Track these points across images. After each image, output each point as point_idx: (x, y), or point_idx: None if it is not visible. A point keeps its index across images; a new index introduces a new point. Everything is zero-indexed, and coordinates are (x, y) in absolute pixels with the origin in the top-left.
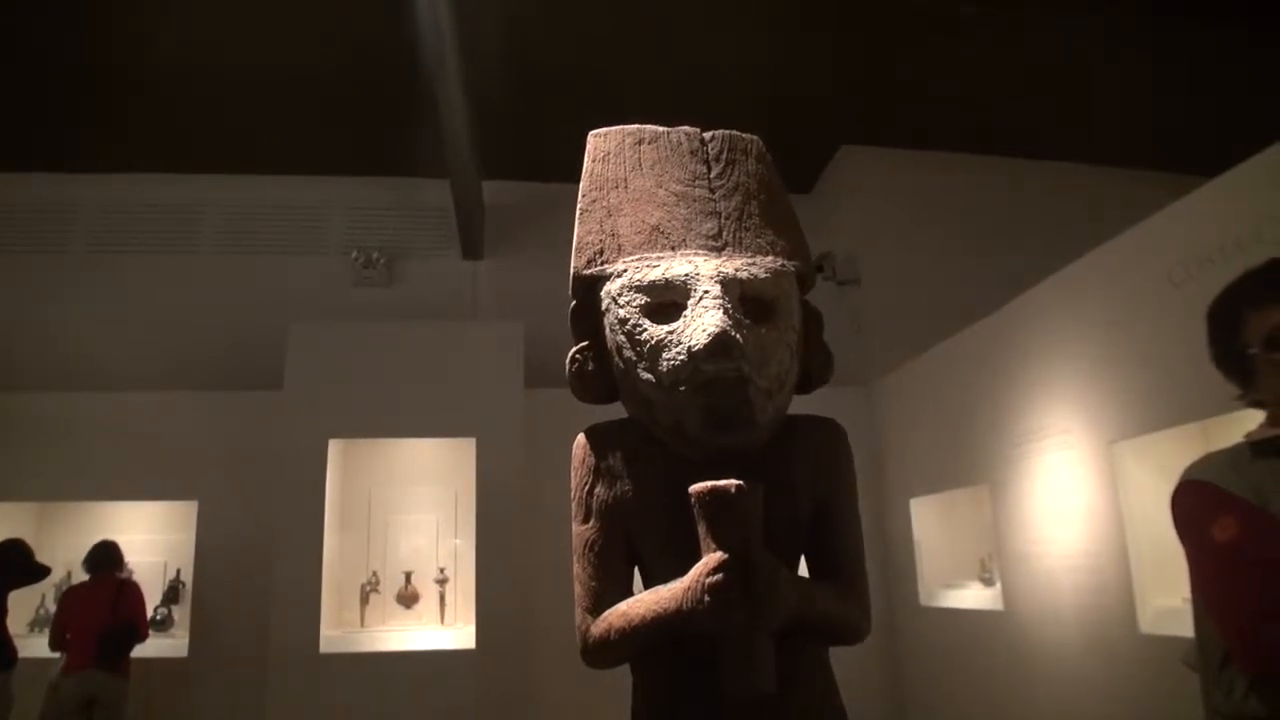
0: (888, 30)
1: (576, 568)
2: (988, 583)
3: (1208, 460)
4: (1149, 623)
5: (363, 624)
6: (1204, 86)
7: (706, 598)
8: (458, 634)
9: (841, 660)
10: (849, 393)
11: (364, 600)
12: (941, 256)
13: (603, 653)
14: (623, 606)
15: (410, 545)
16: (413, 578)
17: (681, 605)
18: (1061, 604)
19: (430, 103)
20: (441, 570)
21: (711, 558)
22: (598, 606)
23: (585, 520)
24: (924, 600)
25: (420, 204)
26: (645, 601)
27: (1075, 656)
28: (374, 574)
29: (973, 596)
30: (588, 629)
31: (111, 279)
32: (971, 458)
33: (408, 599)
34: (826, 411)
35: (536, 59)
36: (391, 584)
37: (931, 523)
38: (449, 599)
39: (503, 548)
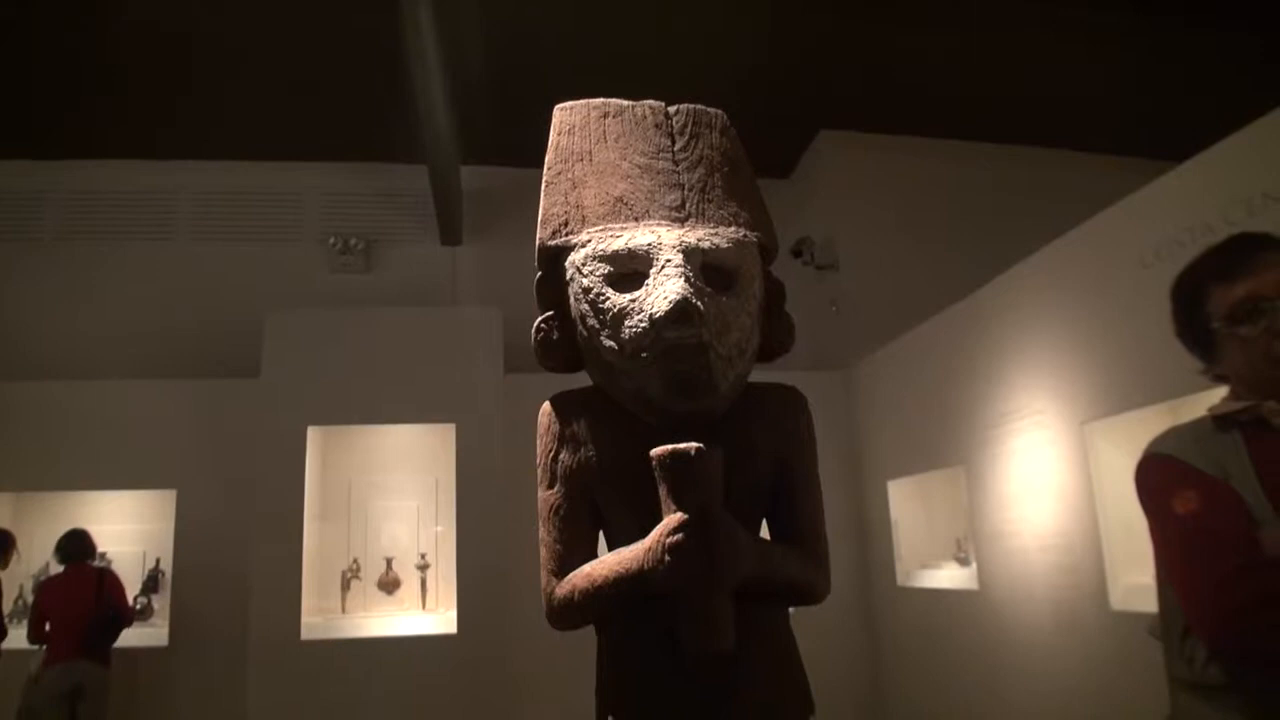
0: (867, 15)
1: (542, 532)
2: (963, 563)
3: (1171, 434)
4: (1119, 600)
5: (344, 611)
6: (1174, 73)
7: (667, 557)
8: (439, 619)
9: (821, 638)
10: (827, 376)
11: (345, 587)
12: (919, 241)
13: (566, 613)
14: (586, 568)
15: (391, 532)
16: (394, 564)
17: (643, 565)
18: (1034, 582)
19: (408, 87)
20: (422, 556)
21: (672, 518)
22: (562, 569)
23: (550, 486)
24: (901, 580)
25: (398, 189)
26: (608, 563)
27: (1048, 633)
28: (355, 561)
29: (948, 576)
30: (552, 591)
31: (84, 267)
32: (947, 440)
33: (389, 585)
34: (807, 394)
35: (515, 42)
36: (372, 570)
37: (909, 504)
38: (430, 585)
39: (483, 533)
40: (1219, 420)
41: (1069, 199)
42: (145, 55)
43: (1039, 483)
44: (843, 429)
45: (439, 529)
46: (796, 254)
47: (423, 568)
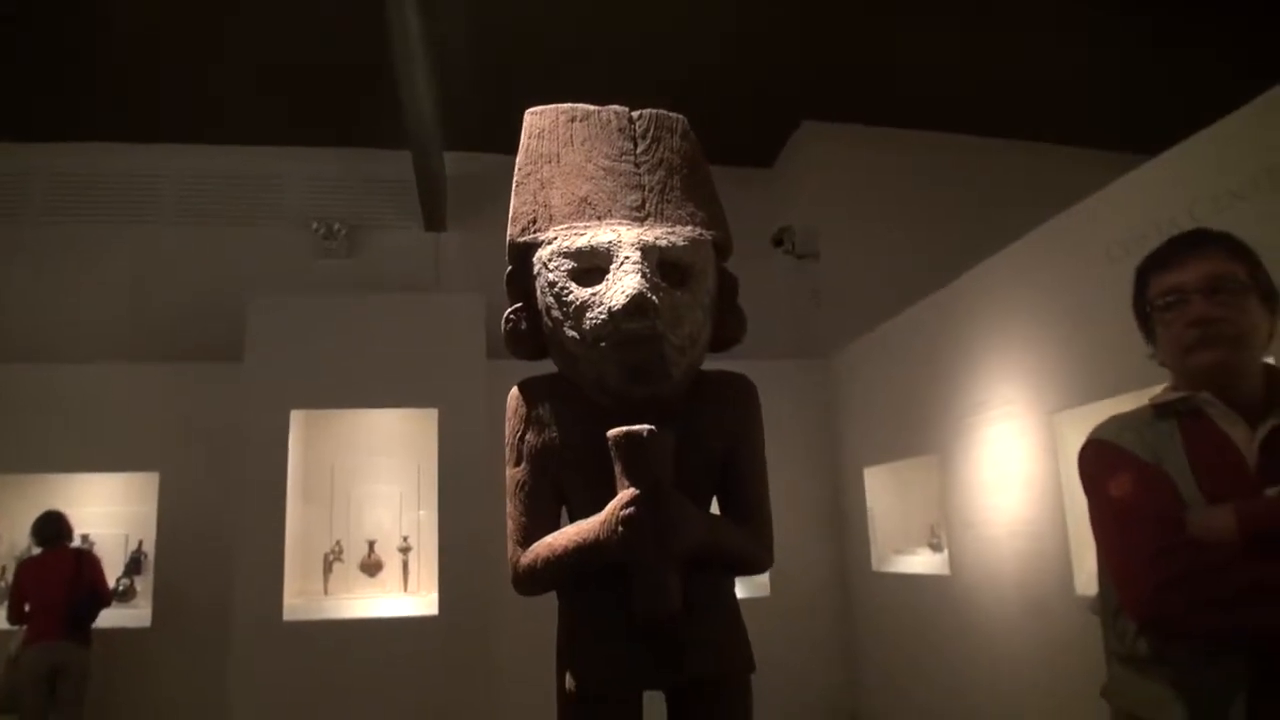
0: (851, 7)
1: (509, 506)
2: (936, 549)
3: (1112, 421)
4: (1084, 585)
5: (326, 592)
6: (1149, 68)
7: (620, 528)
8: (421, 601)
9: (799, 620)
10: (808, 365)
11: (327, 569)
12: (899, 232)
13: (530, 580)
14: (548, 539)
15: (373, 515)
16: (376, 547)
17: (599, 535)
18: (1004, 568)
19: (392, 72)
20: (405, 539)
21: (625, 493)
22: (527, 540)
23: (517, 464)
24: (876, 566)
25: (382, 175)
26: (568, 534)
27: (1015, 617)
28: (337, 543)
29: (921, 562)
30: (518, 560)
31: (67, 249)
32: (922, 428)
33: (371, 568)
34: (787, 382)
35: (500, 28)
36: (355, 553)
37: (884, 491)
38: (412, 567)
39: (465, 517)
40: (1158, 409)
41: (1046, 191)
42: (129, 38)
43: (1009, 471)
44: (821, 417)
45: (422, 513)
46: (778, 243)
47: (405, 550)
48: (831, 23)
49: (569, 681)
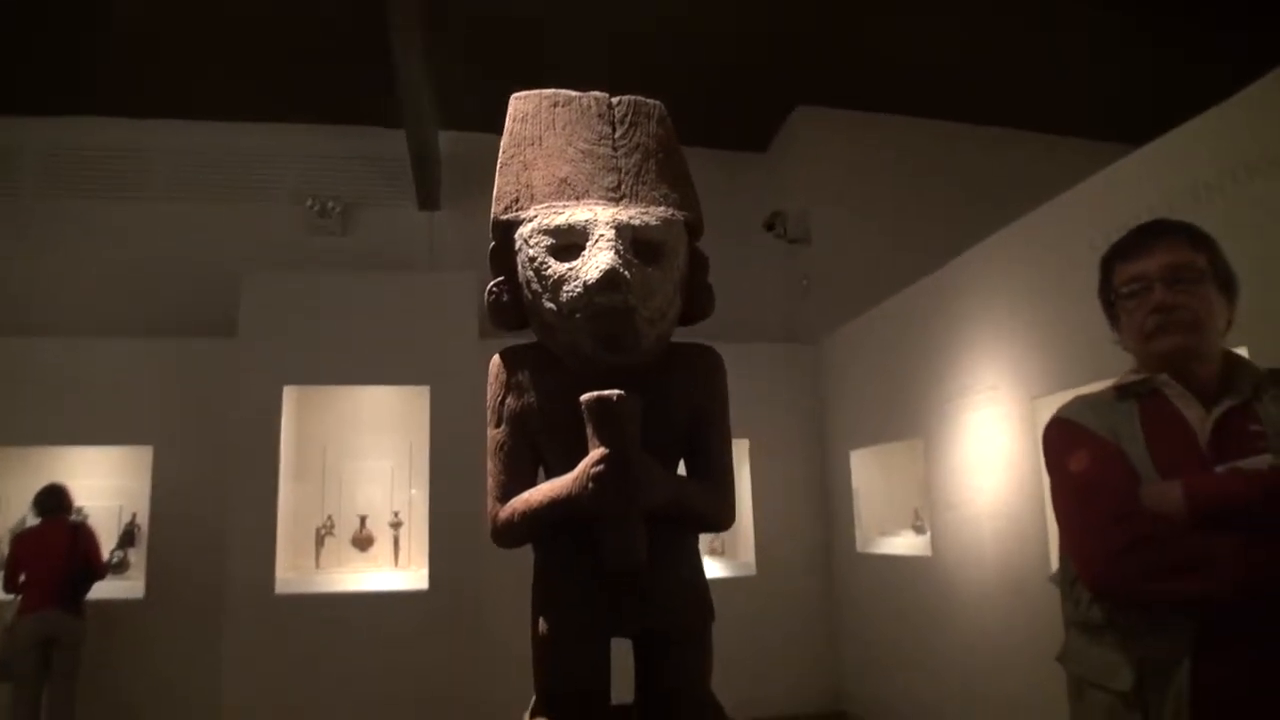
0: None
1: (489, 465)
2: (920, 531)
3: (1076, 401)
4: None
5: (318, 566)
6: (1139, 60)
7: (590, 485)
8: (411, 575)
9: (785, 600)
10: (798, 349)
11: (319, 543)
12: (889, 218)
13: (507, 532)
14: (524, 495)
15: (365, 491)
16: (367, 522)
17: (571, 491)
18: (984, 549)
19: (388, 50)
20: (396, 514)
21: (595, 453)
22: (505, 495)
23: (497, 426)
24: (861, 547)
25: (377, 153)
26: (543, 490)
27: (995, 596)
28: (329, 518)
29: (905, 544)
30: (496, 514)
31: (62, 223)
32: (907, 412)
33: (362, 542)
34: (777, 366)
35: (497, 9)
36: (346, 528)
37: (870, 474)
38: (403, 542)
39: (455, 493)
40: (1119, 390)
41: (1036, 180)
42: (124, 12)
43: (991, 455)
44: (810, 400)
45: (414, 492)
46: (769, 227)
47: (396, 525)
48: (827, 8)
49: (542, 626)
